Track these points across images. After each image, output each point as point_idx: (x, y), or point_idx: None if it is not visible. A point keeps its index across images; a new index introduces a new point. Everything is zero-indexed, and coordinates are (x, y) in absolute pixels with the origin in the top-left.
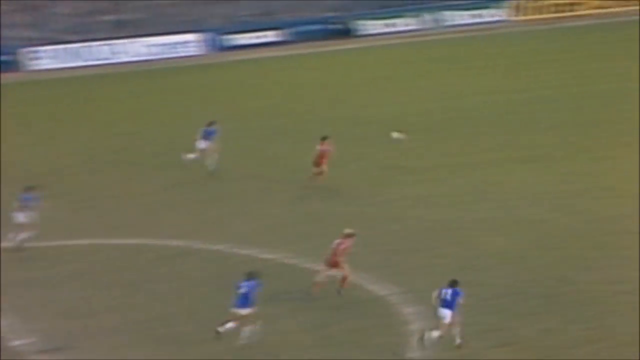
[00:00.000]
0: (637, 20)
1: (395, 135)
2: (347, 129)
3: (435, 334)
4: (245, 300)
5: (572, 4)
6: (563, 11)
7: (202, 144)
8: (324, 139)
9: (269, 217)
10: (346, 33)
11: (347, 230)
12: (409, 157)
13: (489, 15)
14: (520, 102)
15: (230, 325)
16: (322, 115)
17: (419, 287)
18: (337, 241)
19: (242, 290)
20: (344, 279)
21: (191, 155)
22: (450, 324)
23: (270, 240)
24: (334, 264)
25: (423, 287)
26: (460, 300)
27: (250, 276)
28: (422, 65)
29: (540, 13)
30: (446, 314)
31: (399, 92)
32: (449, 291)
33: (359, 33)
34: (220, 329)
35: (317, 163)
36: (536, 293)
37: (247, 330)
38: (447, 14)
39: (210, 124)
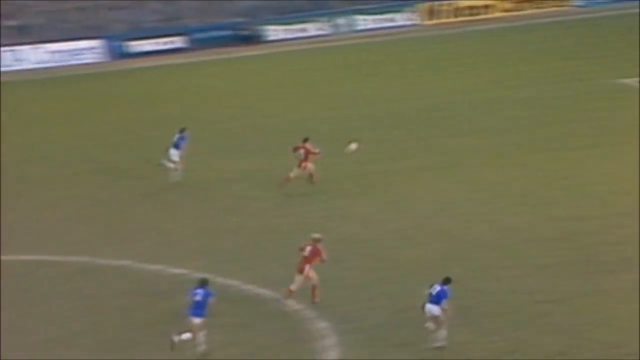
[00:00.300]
0: (549, 22)
1: (352, 146)
2: (254, 138)
3: (428, 325)
4: (200, 309)
5: (485, 7)
6: (476, 14)
7: (173, 153)
8: (305, 140)
9: (176, 231)
10: (254, 39)
11: (315, 235)
12: (316, 167)
13: (401, 19)
14: (432, 108)
15: (186, 335)
16: (228, 124)
17: (330, 301)
18: (307, 247)
19: (197, 298)
20: (314, 288)
21: (170, 164)
22: (436, 321)
23: (177, 255)
24: (301, 271)
25: (335, 302)
26: (448, 300)
27: (203, 284)
28: (332, 72)
29: (453, 16)
30: (431, 308)
31: (307, 100)
32: (438, 288)
33: (267, 39)
34: (176, 339)
35: (301, 165)
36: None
37: (201, 337)
38: (359, 18)
39: (182, 130)
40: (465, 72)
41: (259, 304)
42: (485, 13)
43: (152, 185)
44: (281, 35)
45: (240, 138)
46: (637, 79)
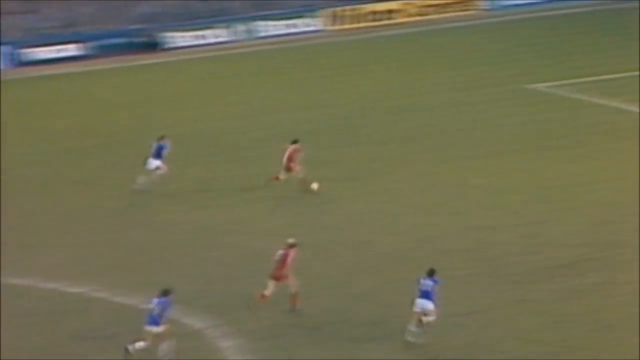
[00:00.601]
0: (456, 26)
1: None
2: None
3: (412, 326)
4: (157, 318)
5: (389, 12)
6: (381, 20)
7: (153, 163)
8: (294, 142)
9: (76, 248)
10: (153, 46)
11: (290, 240)
12: (220, 178)
13: (304, 25)
14: (338, 116)
15: (140, 344)
16: (129, 136)
17: (237, 319)
18: (281, 252)
19: (157, 309)
20: (294, 295)
21: (142, 179)
22: (430, 314)
23: (78, 272)
24: (279, 277)
25: (242, 319)
26: (439, 289)
27: (164, 293)
28: (234, 79)
29: (357, 22)
30: (424, 304)
31: (210, 109)
32: (428, 282)
33: (167, 46)
34: (130, 348)
35: (288, 167)
36: (361, 320)
37: (164, 347)
38: (261, 24)
39: (161, 138)
40: (372, 79)
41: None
42: (390, 18)
43: (53, 201)
44: (182, 42)
45: (142, 149)
46: (548, 84)
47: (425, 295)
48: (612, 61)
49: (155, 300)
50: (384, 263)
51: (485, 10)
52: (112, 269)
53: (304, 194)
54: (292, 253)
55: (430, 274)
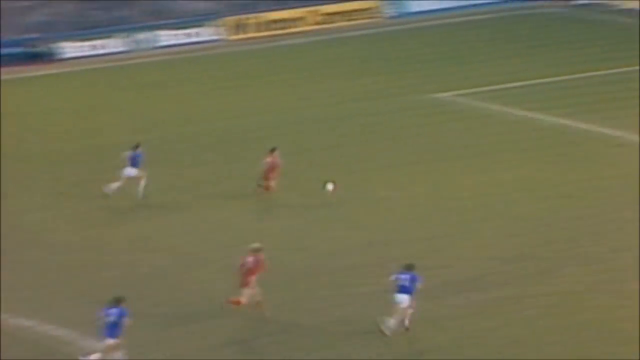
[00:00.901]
0: (361, 35)
1: (329, 186)
2: (46, 166)
3: (392, 321)
4: (114, 329)
5: (293, 20)
6: (285, 28)
7: (130, 172)
8: (272, 150)
9: None
10: (47, 56)
11: (254, 245)
12: (119, 195)
13: (205, 34)
14: (237, 130)
15: (95, 356)
16: (23, 151)
17: (137, 341)
18: (248, 259)
19: (111, 319)
20: (258, 303)
21: (114, 185)
22: (408, 309)
23: None
24: (245, 284)
25: (142, 341)
26: (419, 285)
27: (117, 302)
28: (133, 91)
29: (261, 31)
30: (403, 299)
31: (107, 123)
32: (407, 276)
33: (62, 56)
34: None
35: (266, 177)
36: (263, 342)
37: (118, 356)
38: (161, 33)
39: (136, 147)
40: (275, 89)
41: (59, 346)
42: (295, 26)
43: None
44: (77, 53)
45: (35, 165)
46: (452, 93)
47: (403, 289)
48: (516, 69)
49: (112, 311)
50: (287, 280)
51: (390, 17)
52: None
53: (200, 209)
54: (258, 258)
55: (408, 268)
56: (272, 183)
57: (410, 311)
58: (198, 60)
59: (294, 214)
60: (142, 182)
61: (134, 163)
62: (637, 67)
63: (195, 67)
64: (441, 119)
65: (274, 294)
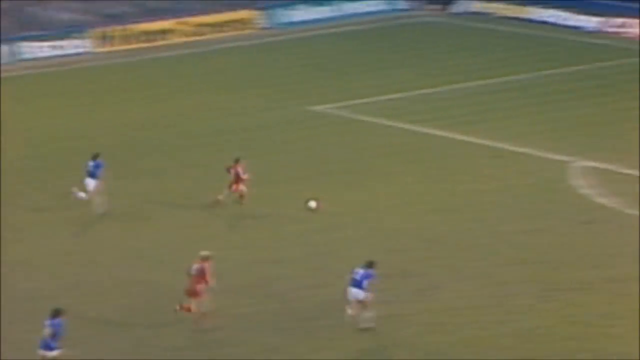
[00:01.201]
0: (235, 46)
1: (312, 204)
2: None
3: (349, 311)
4: (53, 341)
5: (163, 32)
6: (154, 40)
7: (90, 183)
8: (236, 160)
9: None
10: None
11: (203, 253)
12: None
13: (71, 46)
14: (106, 147)
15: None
16: None
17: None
18: (196, 266)
19: (49, 331)
20: (202, 314)
21: (82, 193)
22: (361, 304)
23: None
24: (192, 293)
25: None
26: (371, 282)
27: (56, 314)
28: None
29: (129, 43)
30: (355, 293)
31: None
32: (361, 272)
33: None
34: None
35: (235, 187)
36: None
37: None
38: (24, 45)
39: (95, 157)
40: (145, 105)
41: None
42: (164, 39)
43: None
44: None
45: None
46: (330, 105)
47: (355, 283)
48: (396, 80)
49: (49, 322)
50: (166, 303)
51: (264, 28)
52: None
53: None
54: (208, 265)
55: (368, 265)
56: (243, 189)
57: (367, 310)
58: (63, 74)
59: (156, 237)
60: (103, 195)
61: (93, 174)
62: (517, 77)
63: (59, 81)
64: (320, 132)
65: (156, 316)
